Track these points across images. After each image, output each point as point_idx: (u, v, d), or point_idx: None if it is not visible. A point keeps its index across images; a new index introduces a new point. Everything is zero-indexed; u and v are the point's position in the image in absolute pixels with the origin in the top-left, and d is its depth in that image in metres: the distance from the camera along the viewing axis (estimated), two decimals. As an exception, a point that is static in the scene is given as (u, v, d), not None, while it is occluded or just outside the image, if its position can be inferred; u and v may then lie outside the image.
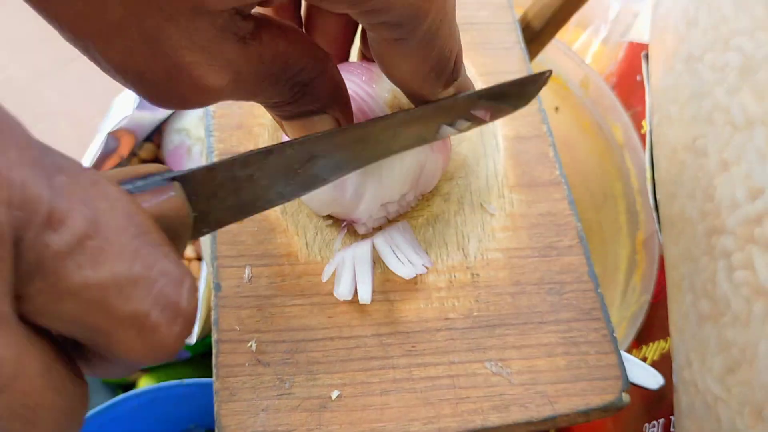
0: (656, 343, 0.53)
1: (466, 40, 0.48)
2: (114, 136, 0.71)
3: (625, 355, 0.40)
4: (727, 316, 0.35)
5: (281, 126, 0.35)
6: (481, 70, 0.47)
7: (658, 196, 0.48)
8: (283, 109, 0.32)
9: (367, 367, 0.37)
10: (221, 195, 0.28)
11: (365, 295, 0.37)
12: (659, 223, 0.48)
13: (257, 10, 0.29)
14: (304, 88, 0.31)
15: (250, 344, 0.37)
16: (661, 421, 0.47)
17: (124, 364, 0.22)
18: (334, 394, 0.36)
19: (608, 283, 0.62)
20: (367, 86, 0.38)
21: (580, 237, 0.41)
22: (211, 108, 0.43)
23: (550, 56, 0.66)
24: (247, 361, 0.36)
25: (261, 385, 0.36)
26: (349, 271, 0.38)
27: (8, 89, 1.50)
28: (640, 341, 0.56)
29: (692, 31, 0.41)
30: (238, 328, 0.37)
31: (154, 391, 0.63)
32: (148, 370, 0.80)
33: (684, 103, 0.42)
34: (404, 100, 0.38)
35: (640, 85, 0.56)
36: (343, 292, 0.37)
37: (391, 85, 0.38)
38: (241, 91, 0.29)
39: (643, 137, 0.60)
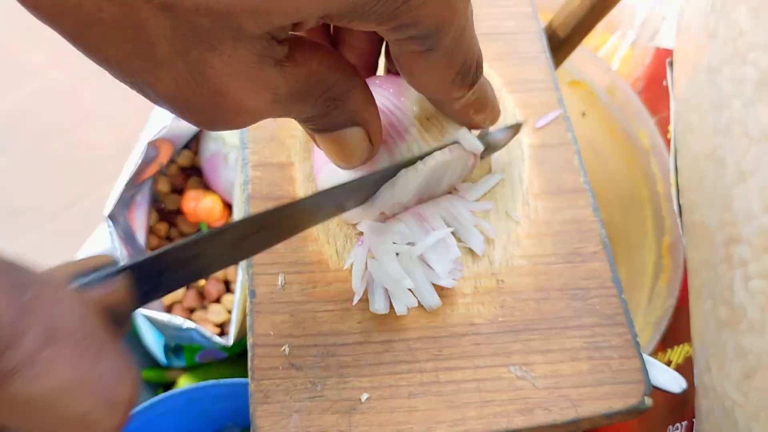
0: (681, 346, 0.53)
1: (492, 50, 0.49)
2: (154, 145, 0.73)
3: (648, 359, 0.40)
4: (743, 324, 0.36)
5: (313, 139, 0.36)
6: (507, 80, 0.48)
7: (681, 202, 0.48)
8: (316, 123, 0.34)
9: (395, 370, 0.38)
10: (169, 273, 0.30)
11: (402, 309, 0.38)
12: (683, 228, 0.48)
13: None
14: (335, 102, 0.32)
15: (283, 348, 0.38)
16: (684, 423, 0.48)
17: None
18: (364, 396, 0.37)
19: (634, 287, 0.63)
20: (395, 99, 0.39)
21: (603, 243, 0.42)
22: None
23: (576, 63, 0.66)
24: (280, 365, 0.38)
25: (294, 387, 0.37)
26: (381, 287, 0.39)
27: (49, 93, 1.53)
28: (665, 344, 0.56)
29: (712, 42, 0.41)
30: (272, 333, 0.38)
31: (192, 391, 0.64)
32: (187, 370, 0.82)
33: (705, 113, 0.42)
34: (432, 111, 0.40)
35: (667, 91, 0.57)
36: (379, 307, 0.38)
37: (418, 96, 0.39)
38: (279, 110, 0.31)
39: (669, 142, 0.61)
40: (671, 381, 0.40)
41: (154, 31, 0.25)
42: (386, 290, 0.39)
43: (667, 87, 0.61)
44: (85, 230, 0.83)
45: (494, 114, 0.40)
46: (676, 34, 0.52)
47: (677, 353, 0.53)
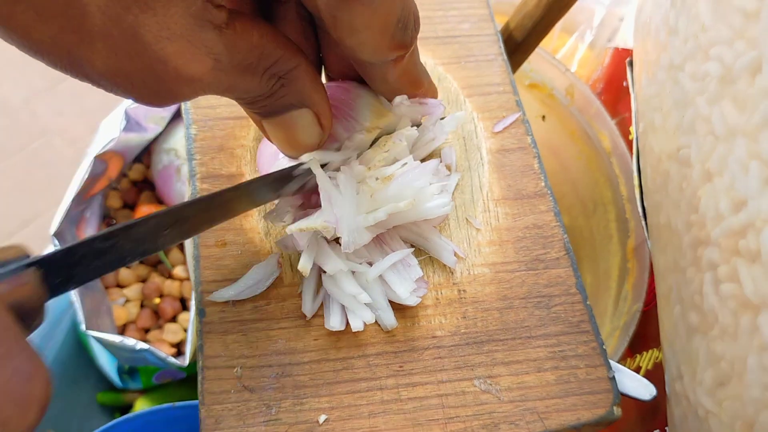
0: (650, 351, 0.52)
1: (448, 53, 0.48)
2: (101, 158, 0.70)
3: (616, 365, 0.39)
4: (715, 329, 0.35)
5: (261, 128, 0.36)
6: (464, 84, 0.47)
7: (645, 204, 0.48)
8: (263, 104, 0.33)
9: (355, 389, 0.36)
10: (84, 263, 0.29)
11: (358, 325, 0.37)
12: (648, 231, 0.48)
13: None
14: (281, 80, 0.32)
15: (235, 370, 0.36)
16: (656, 432, 0.47)
17: None
18: (322, 418, 0.35)
19: (600, 291, 0.62)
20: (344, 95, 0.39)
21: (567, 249, 0.41)
22: (192, 131, 0.43)
23: (534, 65, 0.66)
24: (232, 388, 0.36)
25: (247, 411, 0.35)
26: (337, 304, 0.37)
27: (3, 109, 1.50)
28: (633, 350, 0.56)
29: (673, 39, 0.40)
30: (223, 354, 0.37)
31: (148, 414, 0.63)
32: (144, 392, 0.80)
33: (667, 112, 0.41)
34: (383, 122, 0.39)
35: (627, 91, 0.56)
36: (334, 324, 0.37)
37: (369, 107, 0.38)
38: (222, 81, 0.30)
39: (630, 144, 0.60)
40: (641, 388, 0.40)
41: (85, 0, 0.25)
42: (342, 306, 0.38)
43: (626, 88, 0.61)
44: (41, 249, 0.81)
45: (432, 90, 0.39)
46: (634, 33, 0.51)
47: (646, 359, 0.53)
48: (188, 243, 0.55)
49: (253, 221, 0.41)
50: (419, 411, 0.36)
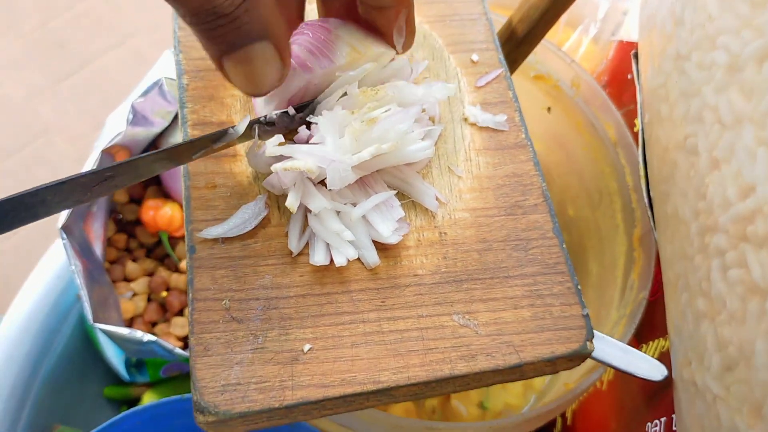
0: (656, 341, 0.53)
1: (433, 12, 0.50)
2: (108, 153, 0.71)
3: (626, 347, 0.40)
4: (723, 315, 0.35)
5: (221, 69, 0.36)
6: (448, 41, 0.49)
7: (651, 195, 0.48)
8: (224, 32, 0.33)
9: (338, 321, 0.38)
10: (10, 216, 0.32)
11: (341, 260, 0.38)
12: (654, 221, 0.48)
13: None
14: (245, 3, 0.32)
15: (224, 302, 0.38)
16: (663, 419, 0.47)
17: None
18: (306, 347, 0.36)
19: (606, 280, 0.62)
20: (324, 47, 0.41)
21: (545, 196, 0.42)
22: (184, 81, 0.45)
23: (539, 57, 0.66)
24: (221, 318, 0.37)
25: (235, 340, 0.37)
26: (322, 241, 0.39)
27: (4, 107, 1.51)
28: (639, 339, 0.56)
29: (679, 30, 0.41)
30: (212, 287, 0.38)
31: (156, 407, 0.63)
32: (151, 385, 0.80)
33: (674, 102, 0.42)
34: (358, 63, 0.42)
35: (632, 83, 0.56)
36: (318, 259, 0.38)
37: (347, 48, 0.41)
38: None
39: (635, 135, 0.60)
40: (651, 369, 0.41)
41: None
42: (327, 244, 0.39)
43: (631, 81, 0.61)
44: (44, 245, 0.81)
45: (413, 32, 0.42)
46: (639, 25, 0.51)
47: (652, 348, 0.53)
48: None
49: (243, 165, 0.42)
50: (400, 342, 0.37)
